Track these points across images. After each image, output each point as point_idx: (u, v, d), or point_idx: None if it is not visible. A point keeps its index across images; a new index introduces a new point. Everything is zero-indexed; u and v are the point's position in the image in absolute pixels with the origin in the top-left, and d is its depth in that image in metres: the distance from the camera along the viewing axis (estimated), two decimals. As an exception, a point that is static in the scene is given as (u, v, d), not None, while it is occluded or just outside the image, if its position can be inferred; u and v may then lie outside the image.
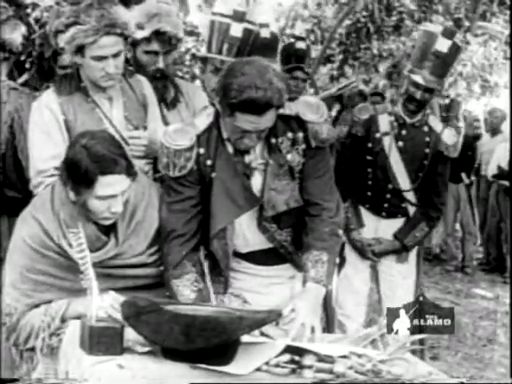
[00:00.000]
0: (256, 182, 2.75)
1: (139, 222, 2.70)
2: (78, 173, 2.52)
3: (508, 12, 12.08)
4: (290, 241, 2.83)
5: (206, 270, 2.78)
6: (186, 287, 2.65)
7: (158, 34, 3.36)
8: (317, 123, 2.74)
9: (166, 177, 2.77)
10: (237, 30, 3.83)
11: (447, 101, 9.33)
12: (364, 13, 12.13)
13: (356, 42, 12.81)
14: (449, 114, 8.89)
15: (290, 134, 2.74)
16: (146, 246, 2.71)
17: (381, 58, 13.18)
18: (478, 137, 9.42)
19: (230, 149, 2.73)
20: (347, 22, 12.13)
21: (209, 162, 2.72)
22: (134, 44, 3.33)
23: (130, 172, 2.58)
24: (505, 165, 8.82)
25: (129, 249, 2.68)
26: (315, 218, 2.78)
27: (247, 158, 2.73)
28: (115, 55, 2.94)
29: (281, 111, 2.67)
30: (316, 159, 2.78)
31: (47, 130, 2.97)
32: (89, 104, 3.05)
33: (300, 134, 2.74)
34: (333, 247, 2.78)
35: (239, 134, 2.61)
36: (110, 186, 2.53)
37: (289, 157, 2.74)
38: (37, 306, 2.63)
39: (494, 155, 9.11)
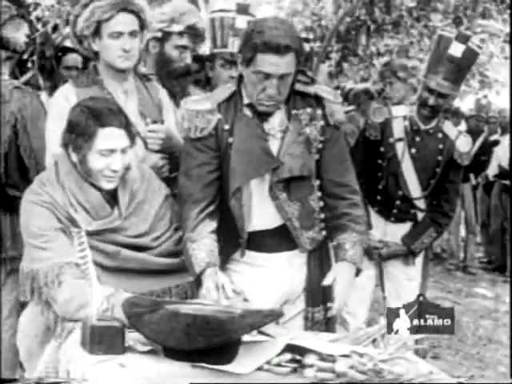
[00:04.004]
0: (273, 147, 2.82)
1: (140, 202, 2.78)
2: (79, 128, 2.63)
3: (506, 11, 12.06)
4: (298, 216, 2.86)
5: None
6: (201, 250, 2.71)
7: (190, 30, 3.54)
8: (333, 102, 2.88)
9: (186, 141, 2.87)
10: (242, 22, 3.89)
11: (484, 101, 9.33)
12: (363, 10, 12.11)
13: (355, 39, 12.79)
14: (480, 113, 8.89)
15: (308, 110, 2.85)
16: (147, 227, 2.77)
17: (379, 55, 13.17)
18: (496, 142, 9.32)
19: (250, 113, 2.81)
20: (346, 19, 12.11)
21: (226, 127, 2.80)
22: (163, 40, 3.50)
23: (129, 130, 2.69)
24: (505, 164, 8.80)
25: (131, 226, 2.74)
26: (347, 201, 2.89)
27: (266, 127, 2.82)
28: (131, 34, 3.08)
29: (299, 88, 2.83)
30: (334, 139, 2.90)
31: (64, 118, 3.02)
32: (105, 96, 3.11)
33: (318, 112, 2.86)
34: (366, 233, 2.93)
35: (261, 84, 2.70)
36: (110, 140, 2.63)
37: (307, 129, 2.84)
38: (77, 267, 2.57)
39: (494, 154, 9.09)
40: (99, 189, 2.70)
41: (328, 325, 2.95)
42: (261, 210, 2.85)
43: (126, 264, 2.71)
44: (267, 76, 2.68)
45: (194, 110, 2.80)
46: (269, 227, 2.89)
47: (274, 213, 2.86)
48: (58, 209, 2.68)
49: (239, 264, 2.91)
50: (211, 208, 2.81)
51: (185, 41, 3.55)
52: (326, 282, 2.73)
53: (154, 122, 3.19)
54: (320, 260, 2.95)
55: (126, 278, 2.69)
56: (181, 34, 3.52)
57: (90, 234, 2.60)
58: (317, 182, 2.92)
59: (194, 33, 3.55)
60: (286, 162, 2.80)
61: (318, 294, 2.92)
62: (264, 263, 2.91)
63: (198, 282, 2.70)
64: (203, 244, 2.72)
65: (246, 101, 2.81)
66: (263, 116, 2.81)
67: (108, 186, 2.69)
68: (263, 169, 2.80)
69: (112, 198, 2.73)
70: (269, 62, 2.65)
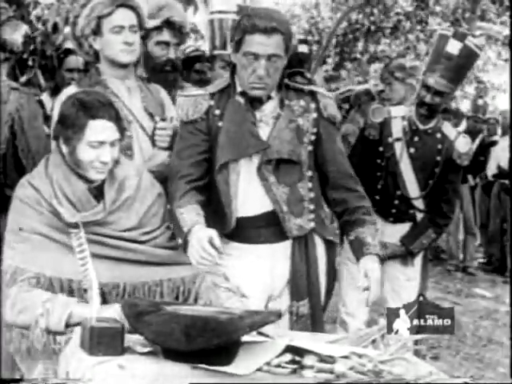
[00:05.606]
0: (264, 132, 2.90)
1: (129, 198, 2.77)
2: (70, 119, 2.65)
3: (505, 13, 12.09)
4: (286, 200, 2.90)
5: None
6: (190, 213, 2.75)
7: (168, 24, 3.53)
8: (327, 97, 2.99)
9: (180, 126, 2.99)
10: None
11: (480, 102, 9.37)
12: (360, 15, 12.16)
13: (352, 43, 12.84)
14: (477, 114, 8.94)
15: (302, 102, 2.94)
16: (135, 222, 2.76)
17: (376, 59, 13.20)
18: (494, 143, 9.33)
19: (242, 100, 2.89)
20: (344, 23, 12.16)
21: (217, 112, 2.91)
22: (145, 37, 3.47)
23: (120, 124, 2.71)
24: (504, 164, 8.80)
25: (118, 220, 2.74)
26: (356, 193, 2.97)
27: (259, 114, 2.90)
28: (132, 28, 3.15)
29: (294, 85, 2.94)
30: (334, 133, 3.00)
31: None
32: (108, 95, 3.11)
33: (312, 105, 2.95)
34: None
35: (251, 66, 2.79)
36: (100, 132, 2.64)
37: (299, 120, 2.93)
38: (35, 279, 2.61)
39: (492, 155, 9.09)
40: (86, 182, 2.71)
41: (313, 319, 2.95)
42: (248, 194, 2.89)
43: (114, 252, 2.70)
44: (256, 57, 2.77)
45: (188, 95, 2.95)
46: (255, 213, 2.91)
47: (261, 196, 2.90)
48: (41, 203, 2.68)
49: (225, 257, 2.90)
50: (198, 183, 2.88)
51: (165, 36, 3.54)
52: (361, 283, 2.76)
53: (163, 119, 3.22)
54: (305, 253, 2.96)
55: (117, 266, 2.69)
56: (159, 28, 3.51)
57: (74, 226, 2.63)
58: (309, 173, 2.95)
59: (173, 27, 3.53)
60: (275, 145, 2.87)
61: (302, 288, 2.94)
62: (246, 254, 2.93)
63: (185, 246, 2.69)
64: (191, 208, 2.76)
65: (238, 89, 2.90)
66: (256, 104, 2.89)
67: (97, 176, 2.70)
68: (251, 149, 2.87)
69: (99, 192, 2.74)
70: (256, 42, 2.76)
